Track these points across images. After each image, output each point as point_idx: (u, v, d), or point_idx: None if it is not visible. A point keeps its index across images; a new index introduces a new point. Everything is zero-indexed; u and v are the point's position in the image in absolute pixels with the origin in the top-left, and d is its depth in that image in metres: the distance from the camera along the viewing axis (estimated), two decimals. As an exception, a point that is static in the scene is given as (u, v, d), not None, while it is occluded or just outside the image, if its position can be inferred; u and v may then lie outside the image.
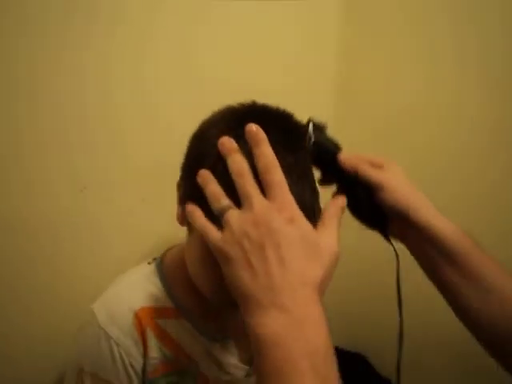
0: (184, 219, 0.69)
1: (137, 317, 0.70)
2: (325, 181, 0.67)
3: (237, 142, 0.56)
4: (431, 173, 1.10)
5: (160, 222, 0.96)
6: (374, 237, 1.08)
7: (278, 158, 0.55)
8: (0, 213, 0.81)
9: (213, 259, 0.55)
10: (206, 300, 0.74)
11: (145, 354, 0.70)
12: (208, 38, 1.00)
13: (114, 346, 0.68)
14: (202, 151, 0.60)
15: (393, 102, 1.16)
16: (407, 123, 1.15)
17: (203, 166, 0.58)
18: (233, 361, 0.76)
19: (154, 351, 0.70)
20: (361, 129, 1.23)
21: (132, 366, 0.69)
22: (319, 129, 0.64)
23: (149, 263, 0.79)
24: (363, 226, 0.69)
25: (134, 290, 0.74)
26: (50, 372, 0.91)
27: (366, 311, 1.27)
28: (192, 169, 0.60)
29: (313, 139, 0.62)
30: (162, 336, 0.71)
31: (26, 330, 0.87)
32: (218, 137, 0.57)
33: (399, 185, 0.64)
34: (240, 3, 1.02)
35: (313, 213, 0.61)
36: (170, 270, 0.77)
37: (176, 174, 0.69)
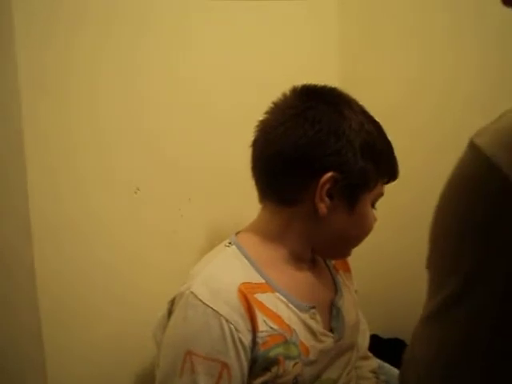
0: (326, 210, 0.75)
1: (240, 291, 0.71)
2: None
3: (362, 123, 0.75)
4: (428, 158, 1.19)
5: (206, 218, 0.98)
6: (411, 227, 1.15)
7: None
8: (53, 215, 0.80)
9: None
10: (289, 271, 0.78)
11: (253, 329, 0.70)
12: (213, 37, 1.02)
13: (223, 323, 0.68)
14: None
15: (391, 91, 1.25)
16: (405, 112, 1.22)
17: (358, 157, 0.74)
18: (321, 328, 0.78)
19: (261, 325, 0.71)
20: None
21: (241, 341, 0.69)
22: None
23: (226, 246, 0.79)
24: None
25: (230, 268, 0.75)
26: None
27: (398, 296, 1.31)
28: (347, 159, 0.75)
29: None
30: (264, 310, 0.72)
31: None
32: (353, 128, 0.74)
33: None
34: (239, 3, 1.06)
35: None
36: (250, 248, 0.78)
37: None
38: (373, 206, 0.80)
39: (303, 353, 0.73)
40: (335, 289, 0.86)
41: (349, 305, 0.86)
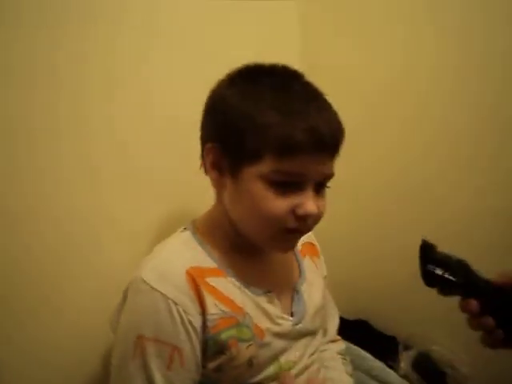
0: (220, 182, 0.74)
1: (189, 274, 0.71)
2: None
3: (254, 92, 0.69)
4: (419, 143, 1.18)
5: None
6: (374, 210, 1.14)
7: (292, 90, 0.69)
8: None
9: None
10: (245, 256, 0.77)
11: (203, 311, 0.70)
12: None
13: (172, 306, 0.68)
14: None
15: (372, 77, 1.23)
16: (389, 97, 1.21)
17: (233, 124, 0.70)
18: (278, 312, 0.78)
19: (212, 308, 0.71)
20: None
21: (191, 324, 0.69)
22: (431, 249, 0.63)
23: (181, 231, 0.79)
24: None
25: (179, 252, 0.75)
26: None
27: (360, 278, 1.33)
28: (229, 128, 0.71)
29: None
30: (215, 293, 0.72)
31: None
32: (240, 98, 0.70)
33: None
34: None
35: (339, 141, 0.70)
36: (205, 234, 0.78)
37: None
38: (280, 184, 0.69)
39: (257, 335, 0.73)
40: (299, 273, 0.86)
41: (313, 289, 0.86)
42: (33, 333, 0.81)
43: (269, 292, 0.78)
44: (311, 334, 0.84)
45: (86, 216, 0.87)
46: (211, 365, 0.72)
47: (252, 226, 0.73)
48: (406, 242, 1.23)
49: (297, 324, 0.80)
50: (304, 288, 0.84)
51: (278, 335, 0.77)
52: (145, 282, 0.69)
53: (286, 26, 1.27)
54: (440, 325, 1.16)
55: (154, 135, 0.96)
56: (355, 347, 1.15)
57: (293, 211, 0.69)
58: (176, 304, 0.68)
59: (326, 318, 0.98)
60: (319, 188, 0.72)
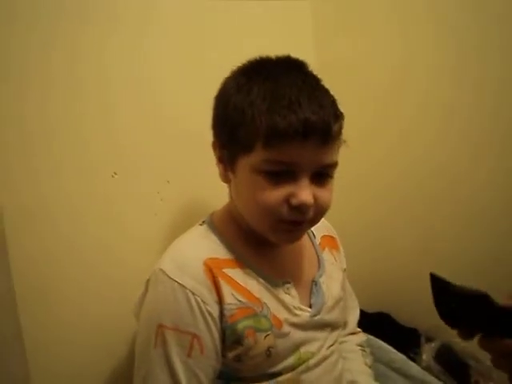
0: (226, 176, 0.76)
1: (206, 265, 0.72)
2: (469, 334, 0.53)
3: (248, 85, 0.70)
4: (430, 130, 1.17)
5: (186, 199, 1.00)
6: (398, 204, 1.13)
7: (284, 79, 0.69)
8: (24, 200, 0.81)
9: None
10: (262, 248, 0.79)
11: (220, 301, 0.72)
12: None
13: (190, 296, 0.70)
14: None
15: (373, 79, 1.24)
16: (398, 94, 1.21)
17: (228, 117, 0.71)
18: (296, 303, 0.79)
19: (229, 297, 0.72)
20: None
21: (209, 313, 0.71)
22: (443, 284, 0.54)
23: (200, 225, 0.81)
24: None
25: (197, 244, 0.77)
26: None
27: (381, 272, 1.33)
28: (226, 122, 0.72)
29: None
30: (233, 283, 0.74)
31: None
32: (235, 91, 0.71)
33: None
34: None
35: (330, 128, 0.68)
36: (221, 226, 0.80)
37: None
38: (273, 174, 0.69)
39: (275, 325, 0.75)
40: (318, 266, 0.87)
41: (331, 282, 0.87)
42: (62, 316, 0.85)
43: (287, 283, 0.79)
44: (331, 325, 0.85)
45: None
46: (230, 354, 0.73)
47: (253, 218, 0.75)
48: (426, 233, 1.24)
49: (315, 315, 0.81)
50: (323, 280, 0.85)
51: (296, 326, 0.78)
52: (164, 273, 0.72)
53: (300, 26, 1.28)
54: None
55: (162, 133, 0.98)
56: (376, 339, 1.15)
57: (287, 201, 0.70)
58: (194, 294, 0.70)
59: (346, 311, 0.98)
60: (319, 178, 0.72)
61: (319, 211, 0.73)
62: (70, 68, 0.85)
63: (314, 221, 0.75)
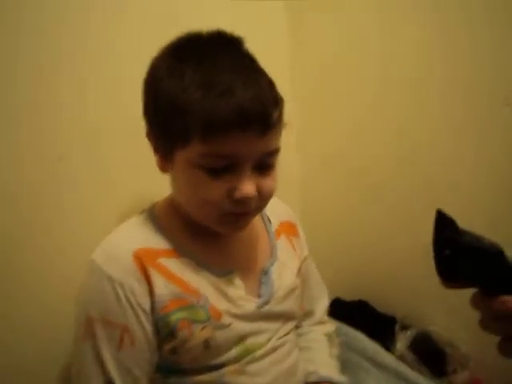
0: (164, 167, 0.72)
1: (136, 255, 0.70)
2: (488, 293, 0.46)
3: (180, 69, 0.64)
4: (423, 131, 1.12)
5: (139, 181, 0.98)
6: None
7: (218, 63, 0.63)
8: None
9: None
10: (206, 237, 0.75)
11: (151, 292, 0.69)
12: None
13: (117, 286, 0.68)
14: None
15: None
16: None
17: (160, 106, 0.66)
18: (240, 294, 0.76)
19: (161, 288, 0.70)
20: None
21: (139, 304, 0.69)
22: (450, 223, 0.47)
23: (140, 214, 0.79)
24: None
25: (131, 233, 0.74)
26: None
27: (360, 260, 1.29)
28: (157, 111, 0.67)
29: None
30: (167, 274, 0.71)
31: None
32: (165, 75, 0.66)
33: None
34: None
35: (269, 115, 0.64)
36: (162, 215, 0.77)
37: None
38: (213, 172, 0.65)
39: (214, 317, 0.72)
40: (271, 254, 0.84)
41: (285, 270, 0.83)
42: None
43: (230, 273, 0.76)
44: (283, 316, 0.82)
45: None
46: (166, 347, 0.71)
47: (195, 212, 0.72)
48: (406, 220, 1.19)
49: (262, 306, 0.77)
50: (274, 269, 0.82)
51: (240, 317, 0.75)
52: (94, 263, 0.70)
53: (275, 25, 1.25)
54: (438, 304, 1.11)
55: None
56: (350, 328, 1.12)
57: (229, 194, 0.66)
58: (122, 285, 0.68)
59: (312, 300, 0.95)
60: (262, 166, 0.68)
61: (263, 200, 0.70)
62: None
63: (260, 208, 0.73)
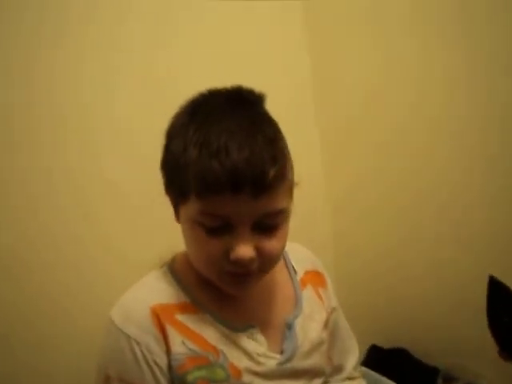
0: (177, 219, 0.72)
1: (153, 313, 0.69)
2: None
3: (187, 126, 0.65)
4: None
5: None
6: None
7: (220, 123, 0.62)
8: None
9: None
10: (221, 290, 0.73)
11: (168, 351, 0.68)
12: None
13: (134, 345, 0.67)
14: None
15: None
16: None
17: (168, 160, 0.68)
18: (261, 350, 0.73)
19: (178, 346, 0.68)
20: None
21: (156, 363, 0.67)
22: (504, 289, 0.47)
23: (161, 267, 0.78)
24: None
25: (149, 288, 0.74)
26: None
27: (398, 307, 1.23)
28: (167, 166, 0.69)
29: None
30: (184, 331, 0.69)
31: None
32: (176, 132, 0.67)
33: None
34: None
35: (264, 177, 0.61)
36: (181, 269, 0.76)
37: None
38: (211, 231, 0.64)
39: (233, 375, 0.69)
40: (296, 305, 0.80)
41: (311, 323, 0.80)
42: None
43: (251, 327, 0.74)
44: (308, 373, 0.78)
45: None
46: None
47: (199, 267, 0.70)
48: (444, 265, 1.13)
49: (285, 363, 0.74)
50: (299, 322, 0.78)
51: (261, 375, 0.71)
52: (112, 321, 0.69)
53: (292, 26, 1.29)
54: (486, 357, 1.04)
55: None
56: (386, 381, 1.06)
57: (226, 255, 0.65)
58: (139, 344, 0.67)
59: (342, 354, 0.90)
60: (264, 227, 0.66)
61: (266, 262, 0.68)
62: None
63: (264, 270, 0.70)
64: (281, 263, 0.82)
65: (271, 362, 0.73)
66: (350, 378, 0.91)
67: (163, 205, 0.72)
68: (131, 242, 1.03)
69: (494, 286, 0.46)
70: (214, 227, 0.64)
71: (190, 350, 0.69)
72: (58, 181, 0.99)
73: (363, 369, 0.97)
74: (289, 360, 0.75)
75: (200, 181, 0.62)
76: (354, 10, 1.21)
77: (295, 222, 0.73)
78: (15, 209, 0.95)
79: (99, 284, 1.03)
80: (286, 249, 0.83)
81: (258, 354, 0.72)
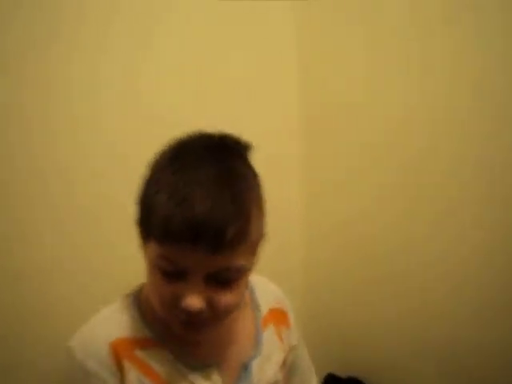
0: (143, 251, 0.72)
1: (112, 348, 0.70)
2: None
3: (163, 170, 0.67)
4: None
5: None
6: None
7: (195, 172, 0.64)
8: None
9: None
10: None
11: None
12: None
13: (91, 379, 0.68)
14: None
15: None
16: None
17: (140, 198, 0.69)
18: None
19: (134, 382, 0.70)
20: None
21: None
22: None
23: (126, 296, 0.79)
24: None
25: (109, 321, 0.74)
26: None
27: (358, 336, 1.26)
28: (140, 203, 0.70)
29: None
30: (141, 367, 0.71)
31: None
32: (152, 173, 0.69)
33: None
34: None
35: (222, 234, 0.61)
36: (145, 300, 0.76)
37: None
38: (166, 275, 0.66)
39: None
40: (255, 346, 0.82)
41: (268, 364, 0.82)
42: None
43: (207, 367, 0.75)
44: None
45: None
46: None
47: (156, 307, 0.71)
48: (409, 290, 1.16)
49: None
50: (256, 363, 0.80)
51: None
52: (70, 351, 0.70)
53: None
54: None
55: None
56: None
57: (178, 301, 0.66)
58: (97, 379, 0.68)
59: None
60: (219, 280, 0.66)
61: (220, 313, 0.68)
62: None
63: (218, 319, 0.70)
64: (245, 299, 0.84)
65: None
66: None
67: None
68: (130, 246, 1.02)
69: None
70: (169, 272, 0.66)
71: None
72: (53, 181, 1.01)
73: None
74: None
75: (162, 227, 0.63)
76: (344, 10, 1.24)
77: (269, 249, 0.75)
78: (14, 209, 0.95)
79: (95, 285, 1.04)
80: (254, 283, 0.85)
81: None
